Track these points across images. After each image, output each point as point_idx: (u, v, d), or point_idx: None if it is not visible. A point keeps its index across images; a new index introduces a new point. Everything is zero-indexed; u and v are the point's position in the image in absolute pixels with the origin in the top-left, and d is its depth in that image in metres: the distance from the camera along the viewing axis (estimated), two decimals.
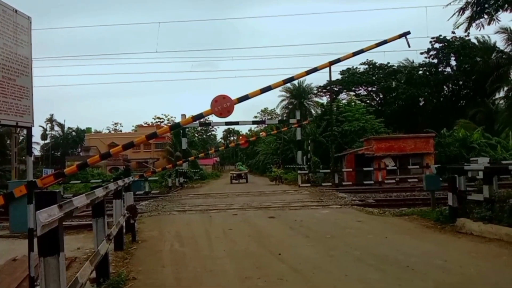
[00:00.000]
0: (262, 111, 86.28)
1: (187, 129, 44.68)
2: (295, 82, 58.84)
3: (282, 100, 59.27)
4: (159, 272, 5.93)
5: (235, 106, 5.09)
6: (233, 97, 5.17)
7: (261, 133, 77.11)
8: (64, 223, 3.37)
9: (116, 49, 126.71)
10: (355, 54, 7.23)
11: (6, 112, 3.82)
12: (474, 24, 13.79)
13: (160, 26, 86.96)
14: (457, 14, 13.88)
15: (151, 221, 11.63)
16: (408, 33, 6.90)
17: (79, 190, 25.41)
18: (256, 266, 6.08)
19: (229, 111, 4.96)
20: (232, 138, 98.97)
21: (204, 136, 69.41)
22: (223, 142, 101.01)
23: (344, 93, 52.60)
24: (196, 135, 59.85)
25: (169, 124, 62.70)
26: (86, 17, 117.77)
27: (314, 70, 6.97)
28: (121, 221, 7.17)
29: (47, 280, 2.91)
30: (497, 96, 42.07)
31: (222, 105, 4.89)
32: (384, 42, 6.83)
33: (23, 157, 33.17)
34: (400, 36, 6.75)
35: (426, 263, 5.88)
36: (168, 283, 5.44)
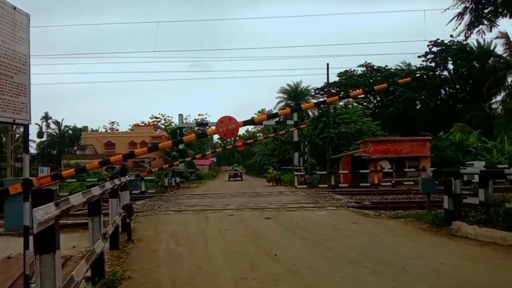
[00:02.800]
0: (259, 112, 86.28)
1: (184, 129, 44.65)
2: (292, 83, 59.14)
3: (280, 102, 59.43)
4: (155, 272, 5.93)
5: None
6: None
7: (258, 134, 77.28)
8: (59, 221, 3.35)
9: (114, 47, 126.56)
10: (365, 92, 7.35)
11: (3, 109, 3.81)
12: (475, 31, 13.87)
13: (158, 25, 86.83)
14: (456, 18, 13.95)
15: (147, 221, 11.61)
16: (421, 78, 6.96)
17: (75, 189, 25.32)
18: (251, 266, 6.08)
19: (233, 133, 4.99)
20: (228, 139, 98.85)
21: None
22: (220, 142, 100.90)
23: (341, 95, 52.62)
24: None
25: (169, 131, 62.64)
26: (84, 16, 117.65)
27: (323, 102, 7.09)
28: (117, 220, 7.15)
29: (42, 278, 2.90)
30: (493, 100, 42.31)
31: (228, 126, 4.91)
32: (397, 83, 6.90)
33: (19, 155, 33.05)
34: (412, 79, 6.79)
35: (421, 265, 5.90)
36: (164, 282, 5.43)
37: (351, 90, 46.81)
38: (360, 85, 50.47)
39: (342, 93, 50.19)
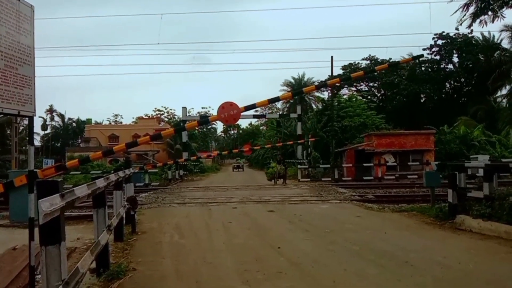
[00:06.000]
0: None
1: (187, 122, 44.67)
2: (297, 76, 59.03)
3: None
4: (159, 264, 5.95)
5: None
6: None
7: (261, 127, 77.39)
8: (64, 213, 3.36)
9: (118, 40, 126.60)
10: (366, 73, 7.30)
11: (8, 101, 3.80)
12: (477, 21, 13.74)
13: (162, 18, 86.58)
14: (461, 9, 13.82)
15: (151, 213, 11.66)
16: (422, 56, 6.87)
17: (79, 181, 25.43)
18: (255, 259, 6.10)
19: (235, 119, 4.94)
20: (232, 132, 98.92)
21: (205, 129, 69.34)
22: (223, 136, 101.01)
23: (345, 88, 52.44)
24: (196, 128, 59.91)
25: (173, 124, 62.70)
26: (88, 8, 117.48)
27: (325, 85, 7.03)
28: (121, 212, 7.18)
29: (48, 269, 2.92)
30: (499, 94, 42.07)
31: (229, 112, 4.86)
32: (397, 63, 6.85)
33: (23, 147, 33.20)
34: (413, 58, 6.72)
35: (425, 259, 5.90)
36: (168, 274, 5.45)
37: (353, 83, 46.66)
38: (364, 78, 50.27)
39: (344, 85, 50.17)
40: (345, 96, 45.37)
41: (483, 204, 8.18)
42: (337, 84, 38.04)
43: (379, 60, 50.07)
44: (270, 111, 78.54)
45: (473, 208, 8.36)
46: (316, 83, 55.29)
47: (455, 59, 46.10)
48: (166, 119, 78.00)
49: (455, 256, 6.05)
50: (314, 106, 53.88)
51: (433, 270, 5.32)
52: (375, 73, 46.42)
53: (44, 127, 71.20)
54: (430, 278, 5.01)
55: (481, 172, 11.13)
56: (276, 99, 5.80)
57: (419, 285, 4.78)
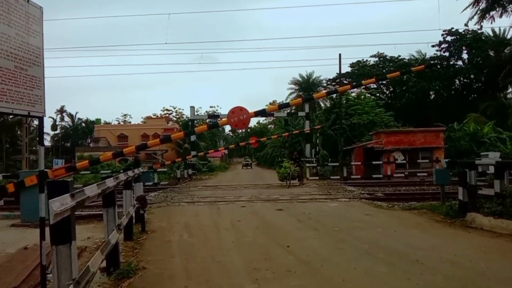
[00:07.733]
0: (270, 103, 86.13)
1: (196, 121, 44.77)
2: (304, 74, 58.81)
3: (291, 93, 59.20)
4: (168, 262, 5.98)
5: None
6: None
7: (269, 126, 77.39)
8: (75, 212, 3.38)
9: (126, 40, 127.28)
10: (378, 80, 7.27)
11: (18, 102, 3.84)
12: (486, 16, 13.61)
13: (169, 18, 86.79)
14: (471, 6, 13.69)
15: (160, 212, 11.71)
16: (435, 65, 6.85)
17: (88, 181, 25.59)
18: (264, 257, 6.10)
19: (245, 124, 4.94)
20: (240, 131, 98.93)
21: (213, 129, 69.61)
22: (231, 134, 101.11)
23: (353, 83, 52.11)
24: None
25: (181, 123, 62.91)
26: (96, 9, 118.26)
27: (335, 91, 7.02)
28: (131, 211, 7.22)
29: (59, 269, 2.94)
30: (509, 90, 41.57)
31: (239, 116, 4.85)
32: (410, 71, 6.83)
33: (34, 148, 33.56)
34: (426, 66, 6.70)
35: (435, 257, 5.85)
36: (177, 273, 5.47)
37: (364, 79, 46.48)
38: (373, 76, 49.91)
39: (354, 83, 49.83)
40: (353, 94, 45.09)
41: (494, 201, 8.11)
42: (349, 91, 37.77)
43: (387, 57, 49.74)
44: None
45: (484, 206, 8.29)
46: (324, 81, 55.16)
47: (465, 56, 45.65)
48: (175, 119, 78.35)
49: (465, 254, 6.00)
50: (322, 104, 53.61)
51: (444, 268, 5.28)
52: (387, 82, 46.20)
53: (54, 127, 71.86)
54: (440, 276, 4.98)
55: (491, 170, 11.00)
56: (287, 105, 5.85)
57: (429, 284, 4.75)
